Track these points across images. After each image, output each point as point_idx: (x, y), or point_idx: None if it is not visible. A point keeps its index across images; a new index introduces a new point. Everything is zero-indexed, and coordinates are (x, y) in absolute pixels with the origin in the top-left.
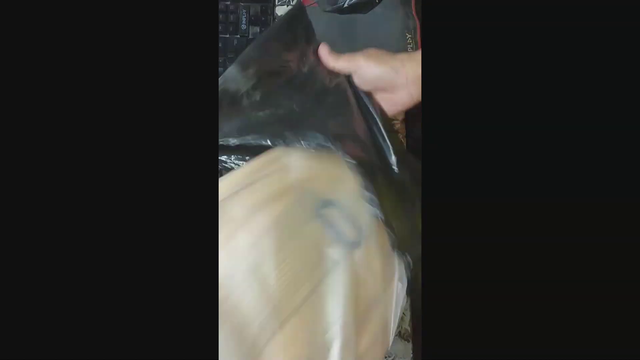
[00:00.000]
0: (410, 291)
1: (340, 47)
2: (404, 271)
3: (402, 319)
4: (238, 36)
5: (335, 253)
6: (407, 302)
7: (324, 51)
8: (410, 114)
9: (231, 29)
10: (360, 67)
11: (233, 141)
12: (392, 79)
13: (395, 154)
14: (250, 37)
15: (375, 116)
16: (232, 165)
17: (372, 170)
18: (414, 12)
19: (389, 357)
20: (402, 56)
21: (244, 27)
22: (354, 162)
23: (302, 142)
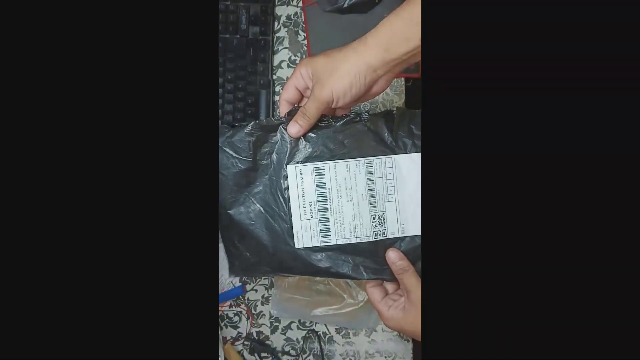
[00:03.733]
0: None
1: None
2: None
3: None
4: (238, 36)
5: None
6: None
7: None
8: None
9: (231, 29)
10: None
11: None
12: (362, 88)
13: None
14: (250, 37)
15: None
16: None
17: None
18: None
19: (389, 357)
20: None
21: (243, 27)
22: None
23: None
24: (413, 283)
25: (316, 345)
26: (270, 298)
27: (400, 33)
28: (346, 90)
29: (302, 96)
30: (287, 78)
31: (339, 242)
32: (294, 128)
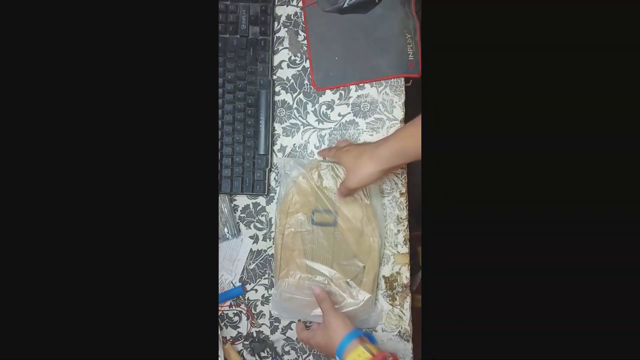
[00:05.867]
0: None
1: (341, 47)
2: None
3: (401, 319)
4: (238, 36)
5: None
6: (407, 302)
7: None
8: (410, 113)
9: (231, 29)
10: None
11: None
12: (373, 181)
13: None
14: (249, 37)
15: None
16: None
17: None
18: (413, 12)
19: (389, 357)
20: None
21: (243, 27)
22: None
23: None
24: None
25: None
26: (270, 298)
27: (393, 151)
28: (362, 183)
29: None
30: (288, 77)
31: None
32: (339, 195)
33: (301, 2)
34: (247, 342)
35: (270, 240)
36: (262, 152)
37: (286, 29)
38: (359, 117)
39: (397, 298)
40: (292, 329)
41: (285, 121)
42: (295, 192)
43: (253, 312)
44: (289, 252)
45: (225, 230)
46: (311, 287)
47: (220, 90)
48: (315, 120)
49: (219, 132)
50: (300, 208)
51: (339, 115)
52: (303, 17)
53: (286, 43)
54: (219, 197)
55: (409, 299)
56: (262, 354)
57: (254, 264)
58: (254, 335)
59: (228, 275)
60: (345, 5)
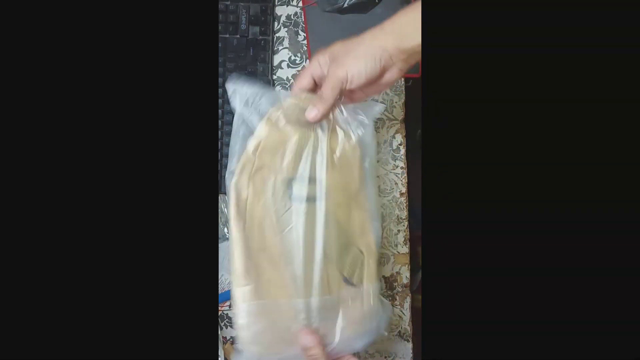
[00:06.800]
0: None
1: None
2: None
3: (401, 319)
4: (238, 36)
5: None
6: (407, 302)
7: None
8: (410, 113)
9: (231, 29)
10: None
11: None
12: (376, 70)
13: None
14: (249, 37)
15: None
16: None
17: None
18: None
19: (389, 357)
20: (370, 37)
21: (243, 27)
22: None
23: None
24: None
25: None
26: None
27: (415, 23)
28: (360, 69)
29: (316, 86)
30: (289, 77)
31: None
32: (312, 112)
33: (301, 2)
34: None
35: None
36: None
37: (286, 29)
38: None
39: (397, 298)
40: None
41: None
42: (263, 145)
43: None
44: (255, 251)
45: (225, 230)
46: (295, 334)
47: (220, 91)
48: None
49: (219, 132)
50: (269, 173)
51: None
52: (303, 17)
53: (286, 43)
54: (219, 197)
55: (409, 299)
56: None
57: None
58: None
59: (228, 275)
60: (345, 5)
